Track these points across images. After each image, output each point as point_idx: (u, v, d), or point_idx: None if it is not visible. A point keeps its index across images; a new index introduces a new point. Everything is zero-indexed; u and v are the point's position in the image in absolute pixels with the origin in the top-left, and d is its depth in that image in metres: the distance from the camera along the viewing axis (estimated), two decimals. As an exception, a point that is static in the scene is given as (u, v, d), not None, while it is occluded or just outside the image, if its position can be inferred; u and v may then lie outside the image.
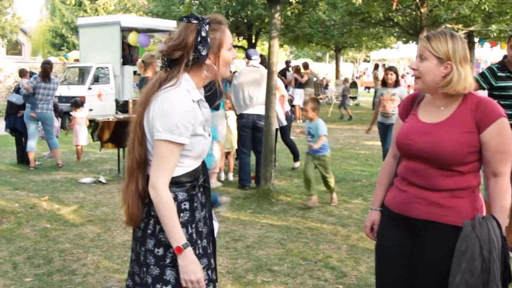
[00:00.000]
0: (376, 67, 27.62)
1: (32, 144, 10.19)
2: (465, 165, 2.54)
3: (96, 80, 17.92)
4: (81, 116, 11.29)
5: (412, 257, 2.67)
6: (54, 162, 10.58)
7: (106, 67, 18.24)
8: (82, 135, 11.10)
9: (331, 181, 7.31)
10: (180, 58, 2.39)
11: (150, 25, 19.62)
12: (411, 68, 2.73)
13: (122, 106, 17.77)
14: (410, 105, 2.83)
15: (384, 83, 8.93)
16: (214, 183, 8.39)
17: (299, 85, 19.96)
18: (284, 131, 9.81)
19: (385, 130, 8.77)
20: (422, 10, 16.42)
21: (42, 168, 10.23)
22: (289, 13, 17.33)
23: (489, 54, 30.75)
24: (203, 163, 2.58)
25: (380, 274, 2.89)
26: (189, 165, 2.44)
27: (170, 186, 2.35)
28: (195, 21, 2.38)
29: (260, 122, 8.17)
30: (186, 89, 2.37)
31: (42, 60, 12.72)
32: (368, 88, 41.68)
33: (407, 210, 2.66)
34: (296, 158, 10.03)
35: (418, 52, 2.62)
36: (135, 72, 17.58)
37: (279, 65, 27.76)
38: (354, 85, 28.89)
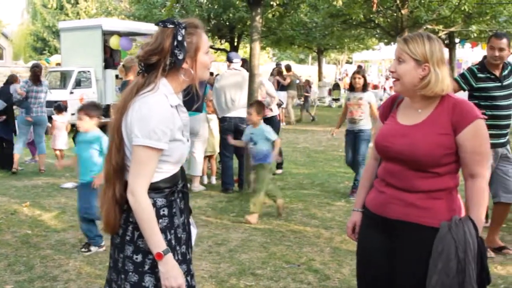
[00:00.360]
0: (359, 68, 27.75)
1: (20, 147, 10.16)
2: (442, 167, 2.56)
3: (78, 84, 17.75)
4: (62, 121, 11.19)
5: (391, 258, 2.67)
6: (35, 167, 10.50)
7: (88, 71, 18.09)
8: (61, 140, 11.00)
9: (259, 200, 6.68)
10: (157, 63, 2.38)
11: (132, 28, 19.49)
12: (389, 71, 2.74)
13: (104, 110, 17.59)
14: (389, 107, 2.85)
15: (352, 88, 8.16)
16: (197, 186, 8.37)
17: (281, 87, 19.99)
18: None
19: (353, 138, 8.09)
20: (402, 11, 16.56)
21: (23, 173, 10.13)
22: (270, 15, 17.37)
23: (470, 55, 30.95)
24: (182, 168, 2.56)
25: (361, 275, 2.90)
26: (168, 170, 2.43)
27: (149, 192, 2.34)
28: (171, 26, 2.37)
29: (242, 125, 8.10)
30: (164, 94, 2.36)
31: (23, 65, 12.62)
32: (351, 89, 41.70)
33: (385, 211, 2.67)
34: (279, 165, 9.94)
35: (396, 55, 2.63)
36: (117, 76, 17.42)
37: (268, 67, 27.76)
38: (336, 87, 28.96)
